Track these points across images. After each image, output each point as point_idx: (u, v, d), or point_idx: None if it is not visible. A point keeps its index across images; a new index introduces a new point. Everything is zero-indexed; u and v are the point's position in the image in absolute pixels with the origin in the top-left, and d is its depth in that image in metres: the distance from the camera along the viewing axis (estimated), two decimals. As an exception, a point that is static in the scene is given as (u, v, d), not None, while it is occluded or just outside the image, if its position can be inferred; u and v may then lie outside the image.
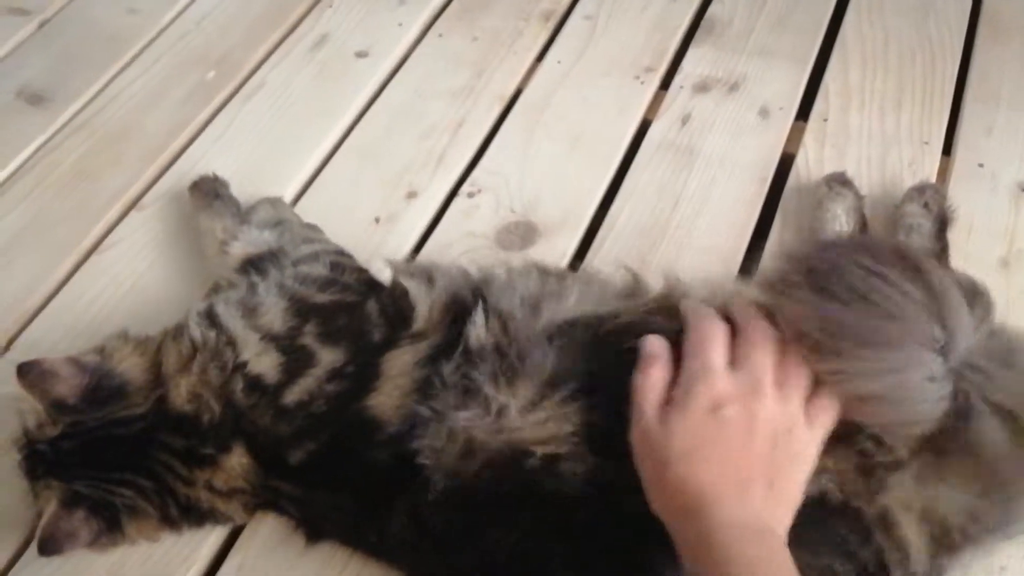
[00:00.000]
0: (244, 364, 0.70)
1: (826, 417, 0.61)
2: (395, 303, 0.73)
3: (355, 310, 0.73)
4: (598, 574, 0.62)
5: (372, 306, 0.73)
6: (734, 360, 0.62)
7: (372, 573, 0.71)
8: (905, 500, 0.61)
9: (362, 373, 0.69)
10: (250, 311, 0.74)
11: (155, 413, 0.70)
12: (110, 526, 0.69)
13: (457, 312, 0.70)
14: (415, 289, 0.73)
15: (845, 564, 0.60)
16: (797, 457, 0.59)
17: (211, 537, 0.74)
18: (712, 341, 0.63)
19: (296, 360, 0.70)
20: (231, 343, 0.71)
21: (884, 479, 0.61)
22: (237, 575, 0.72)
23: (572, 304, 0.69)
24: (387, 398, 0.67)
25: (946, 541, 0.61)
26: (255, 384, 0.70)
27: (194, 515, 0.71)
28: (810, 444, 0.60)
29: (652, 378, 0.62)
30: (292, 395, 0.69)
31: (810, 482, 0.60)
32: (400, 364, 0.69)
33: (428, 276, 0.74)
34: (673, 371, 0.63)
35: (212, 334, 0.72)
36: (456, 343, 0.68)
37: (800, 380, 0.61)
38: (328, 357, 0.70)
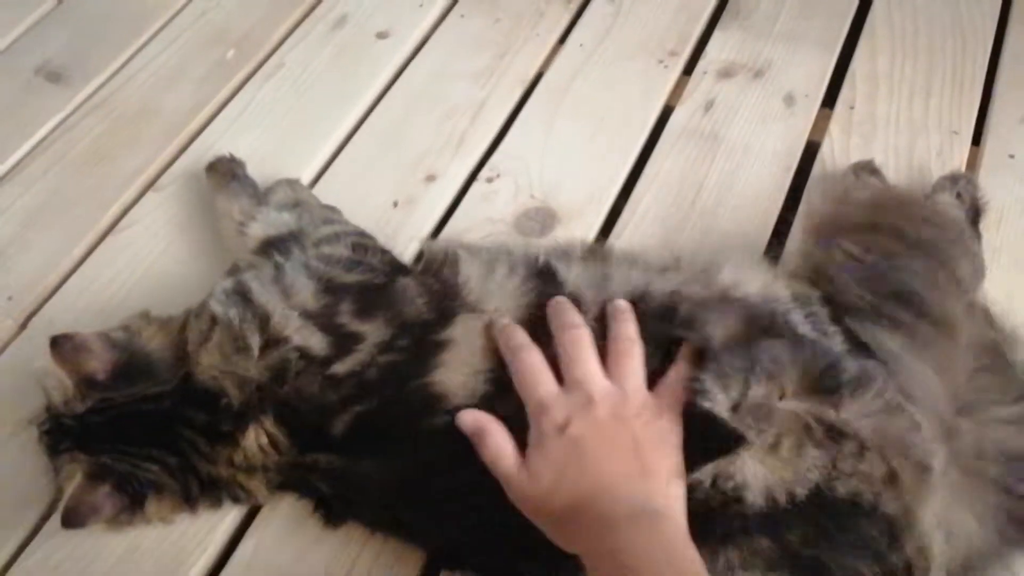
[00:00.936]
0: (287, 339, 0.69)
1: (672, 390, 0.64)
2: (437, 276, 0.72)
3: (385, 289, 0.72)
4: None
5: (404, 282, 0.73)
6: (562, 381, 0.65)
7: (390, 556, 0.71)
8: (936, 509, 0.60)
9: (420, 347, 0.68)
10: (283, 291, 0.73)
11: (180, 390, 0.70)
12: (133, 501, 0.69)
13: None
14: (465, 256, 0.73)
15: (873, 566, 0.59)
16: (659, 436, 0.62)
17: (226, 520, 0.74)
18: (533, 375, 0.65)
19: (341, 339, 0.70)
20: (266, 319, 0.70)
21: (917, 487, 0.60)
22: (252, 558, 0.72)
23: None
24: (454, 374, 0.67)
25: (967, 555, 0.60)
26: (301, 355, 0.69)
27: (214, 493, 0.70)
28: (663, 417, 0.63)
29: (493, 446, 0.64)
30: (343, 366, 0.68)
31: (842, 484, 0.59)
32: (468, 331, 0.68)
33: (469, 249, 0.74)
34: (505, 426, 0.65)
35: (243, 312, 0.71)
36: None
37: (630, 371, 0.65)
38: (373, 332, 0.69)
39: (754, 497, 0.60)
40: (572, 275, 0.71)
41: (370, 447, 0.67)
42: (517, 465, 0.63)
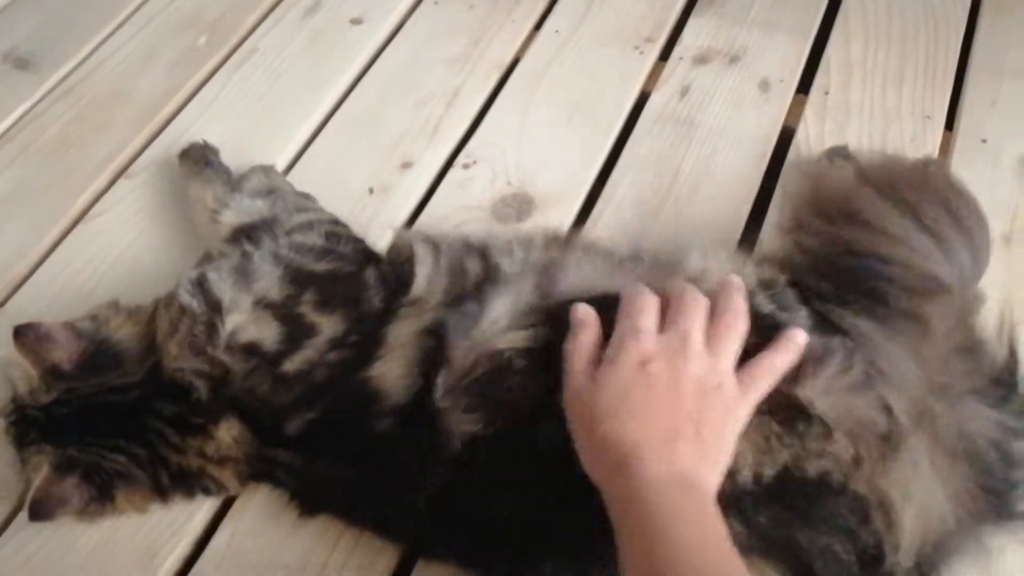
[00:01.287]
0: (235, 332, 0.69)
1: (759, 382, 0.61)
2: (396, 269, 0.72)
3: (352, 279, 0.72)
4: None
5: (370, 273, 0.72)
6: (665, 325, 0.63)
7: (366, 547, 0.71)
8: (903, 485, 0.60)
9: (365, 342, 0.68)
10: (244, 279, 0.72)
11: (149, 381, 0.69)
12: (101, 493, 0.68)
13: (460, 280, 0.69)
14: (422, 253, 0.71)
15: (846, 544, 0.59)
16: (725, 412, 0.60)
17: (201, 510, 0.74)
18: (642, 307, 0.64)
19: (296, 330, 0.69)
20: (219, 311, 0.70)
21: (885, 465, 0.60)
22: (227, 548, 0.72)
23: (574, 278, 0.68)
24: (391, 368, 0.67)
25: (939, 530, 0.60)
26: (250, 351, 0.68)
27: (185, 484, 0.70)
28: (740, 402, 0.60)
29: (582, 342, 0.63)
30: (292, 364, 0.68)
31: (812, 463, 0.60)
32: (404, 333, 0.68)
33: (434, 243, 0.72)
34: (603, 338, 0.64)
35: (201, 301, 0.71)
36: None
37: (730, 343, 0.62)
38: (328, 326, 0.69)
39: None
40: (516, 269, 0.70)
41: (322, 449, 0.67)
42: (588, 368, 0.62)
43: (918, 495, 0.60)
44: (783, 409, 0.61)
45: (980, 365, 0.66)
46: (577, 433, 0.61)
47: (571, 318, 0.64)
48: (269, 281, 0.71)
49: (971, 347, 0.67)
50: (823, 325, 0.65)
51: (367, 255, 0.77)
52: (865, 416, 0.61)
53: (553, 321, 0.66)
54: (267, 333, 0.68)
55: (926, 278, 0.67)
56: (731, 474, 0.59)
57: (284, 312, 0.70)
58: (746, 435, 0.60)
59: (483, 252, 0.71)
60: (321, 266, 0.73)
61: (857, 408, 0.61)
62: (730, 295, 0.64)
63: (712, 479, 0.58)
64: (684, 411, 0.59)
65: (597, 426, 0.59)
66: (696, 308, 0.63)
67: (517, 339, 0.65)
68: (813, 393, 0.62)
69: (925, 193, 0.71)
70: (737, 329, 0.63)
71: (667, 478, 0.56)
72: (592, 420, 0.59)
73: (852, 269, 0.68)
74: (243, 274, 0.72)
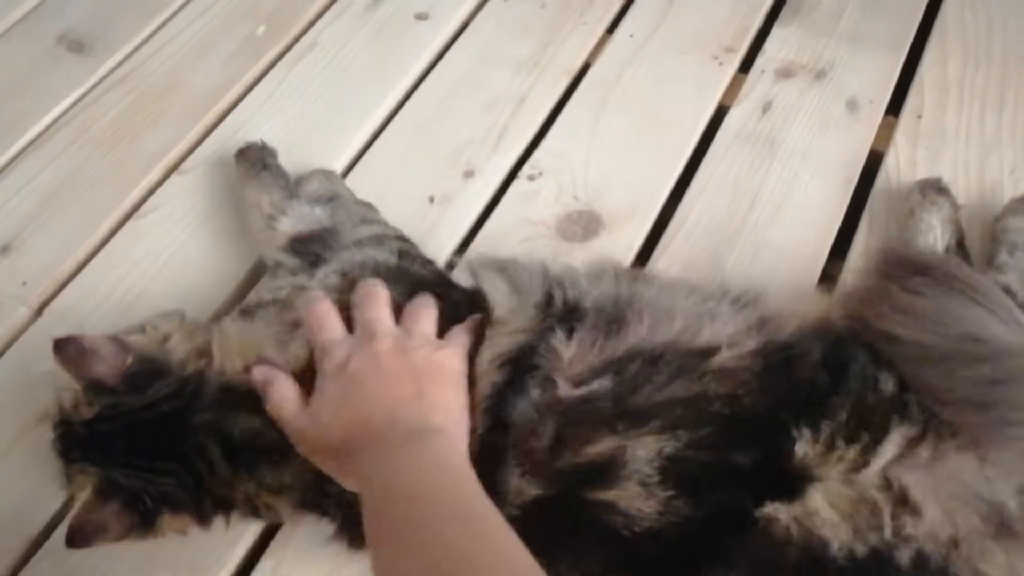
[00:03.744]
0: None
1: (459, 336, 0.65)
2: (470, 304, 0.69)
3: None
4: None
5: (458, 295, 0.71)
6: (351, 327, 0.66)
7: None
8: (1008, 570, 0.55)
9: None
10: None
11: (212, 396, 0.66)
12: (144, 520, 0.65)
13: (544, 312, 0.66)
14: (492, 288, 0.68)
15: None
16: (439, 367, 0.62)
17: (245, 536, 0.71)
18: (319, 321, 0.66)
19: None
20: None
21: (987, 546, 0.56)
22: (272, 578, 0.69)
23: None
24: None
25: None
26: None
27: (228, 510, 0.66)
28: (442, 352, 0.63)
29: (276, 395, 0.64)
30: None
31: (905, 546, 0.55)
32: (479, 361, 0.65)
33: (508, 275, 0.69)
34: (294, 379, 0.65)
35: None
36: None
37: (420, 319, 0.66)
38: None
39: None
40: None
41: None
42: (299, 408, 0.63)
43: None
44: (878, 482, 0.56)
45: None
46: (321, 463, 0.62)
47: (256, 384, 0.65)
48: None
49: None
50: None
51: (439, 277, 0.74)
52: (968, 495, 0.56)
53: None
54: None
55: None
56: (822, 546, 0.55)
57: None
58: (836, 506, 0.56)
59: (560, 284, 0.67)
60: (392, 291, 0.69)
61: (960, 486, 0.56)
62: (416, 303, 0.68)
63: (450, 420, 0.60)
64: (397, 378, 0.61)
65: (329, 441, 0.60)
66: (373, 297, 0.67)
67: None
68: (901, 468, 0.57)
69: None
70: (429, 305, 0.67)
71: (406, 436, 0.58)
72: (322, 439, 0.61)
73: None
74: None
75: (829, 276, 0.82)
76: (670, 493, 0.58)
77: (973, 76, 0.95)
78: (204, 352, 0.67)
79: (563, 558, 0.58)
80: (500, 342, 0.64)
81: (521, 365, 0.63)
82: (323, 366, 0.63)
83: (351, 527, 0.67)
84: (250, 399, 0.65)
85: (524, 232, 0.86)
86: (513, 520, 0.56)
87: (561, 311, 0.65)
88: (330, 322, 0.66)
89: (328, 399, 0.62)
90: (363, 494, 0.57)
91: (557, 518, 0.60)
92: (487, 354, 0.64)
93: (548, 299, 0.66)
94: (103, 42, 1.05)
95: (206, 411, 0.65)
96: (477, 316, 0.67)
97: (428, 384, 0.61)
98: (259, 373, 0.65)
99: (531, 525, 0.57)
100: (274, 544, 0.70)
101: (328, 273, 0.71)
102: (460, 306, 0.69)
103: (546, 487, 0.60)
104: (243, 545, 0.70)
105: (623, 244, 0.85)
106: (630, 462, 0.59)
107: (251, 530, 0.71)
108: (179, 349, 0.67)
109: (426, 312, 0.67)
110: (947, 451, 0.58)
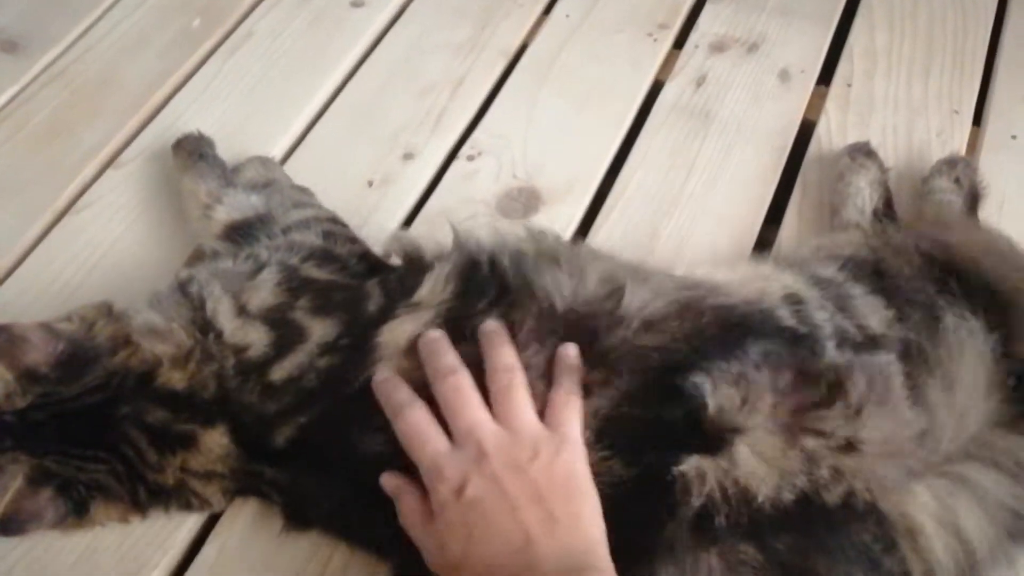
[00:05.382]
0: (221, 333, 0.65)
1: (563, 417, 0.59)
2: (401, 276, 0.68)
3: (351, 291, 0.68)
4: None
5: (373, 283, 0.68)
6: (450, 434, 0.60)
7: (362, 563, 0.67)
8: (933, 509, 0.57)
9: (358, 346, 0.64)
10: (236, 282, 0.68)
11: (131, 387, 0.65)
12: (77, 507, 0.64)
13: (467, 282, 0.65)
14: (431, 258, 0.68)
15: (869, 574, 0.56)
16: (564, 476, 0.57)
17: (188, 522, 0.70)
18: (419, 435, 0.60)
19: (286, 333, 0.65)
20: (211, 316, 0.66)
21: (913, 486, 0.57)
22: (216, 562, 0.68)
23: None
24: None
25: (971, 555, 0.57)
26: (240, 358, 0.65)
27: (164, 499, 0.66)
28: (563, 452, 0.58)
29: (406, 507, 0.60)
30: (281, 371, 0.64)
31: (833, 487, 0.56)
32: (401, 335, 0.64)
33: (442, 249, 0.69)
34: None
35: (189, 306, 0.67)
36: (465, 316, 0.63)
37: (515, 406, 0.60)
38: (320, 330, 0.65)
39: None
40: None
41: (313, 462, 0.63)
42: (424, 524, 0.59)
43: (951, 519, 0.57)
44: (808, 429, 0.58)
45: None
46: None
47: (388, 492, 0.61)
48: (263, 286, 0.68)
49: None
50: (850, 343, 0.62)
51: (366, 257, 0.73)
52: (896, 438, 0.57)
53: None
54: (254, 338, 0.65)
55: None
56: (747, 498, 0.56)
57: (276, 316, 0.66)
58: (763, 455, 0.57)
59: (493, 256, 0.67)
60: (319, 273, 0.69)
61: (887, 425, 0.58)
62: (493, 348, 0.62)
63: (592, 544, 0.55)
64: (523, 505, 0.56)
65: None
66: (460, 395, 0.60)
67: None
68: (835, 412, 0.58)
69: None
70: (514, 385, 0.60)
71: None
72: (461, 574, 0.57)
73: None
74: (234, 276, 0.68)
75: (764, 242, 0.83)
76: (605, 454, 0.59)
77: (900, 44, 0.97)
78: (129, 340, 0.66)
79: None
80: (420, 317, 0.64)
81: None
82: (436, 487, 0.58)
83: (293, 510, 0.67)
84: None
85: (464, 211, 0.86)
86: None
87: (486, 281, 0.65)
88: (431, 434, 0.60)
89: (453, 532, 0.57)
90: None
91: None
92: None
93: (471, 273, 0.66)
94: (37, 40, 1.04)
95: (130, 400, 0.64)
96: (574, 364, 0.61)
97: (557, 505, 0.56)
98: (388, 484, 0.61)
99: None
100: (218, 528, 0.70)
101: (260, 256, 0.71)
102: (388, 281, 0.68)
103: None
104: (186, 531, 0.70)
105: (563, 219, 0.86)
106: None
107: (194, 516, 0.70)
108: (104, 334, 0.66)
109: (516, 398, 0.60)
110: (874, 397, 0.59)
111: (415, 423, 0.60)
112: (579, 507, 0.57)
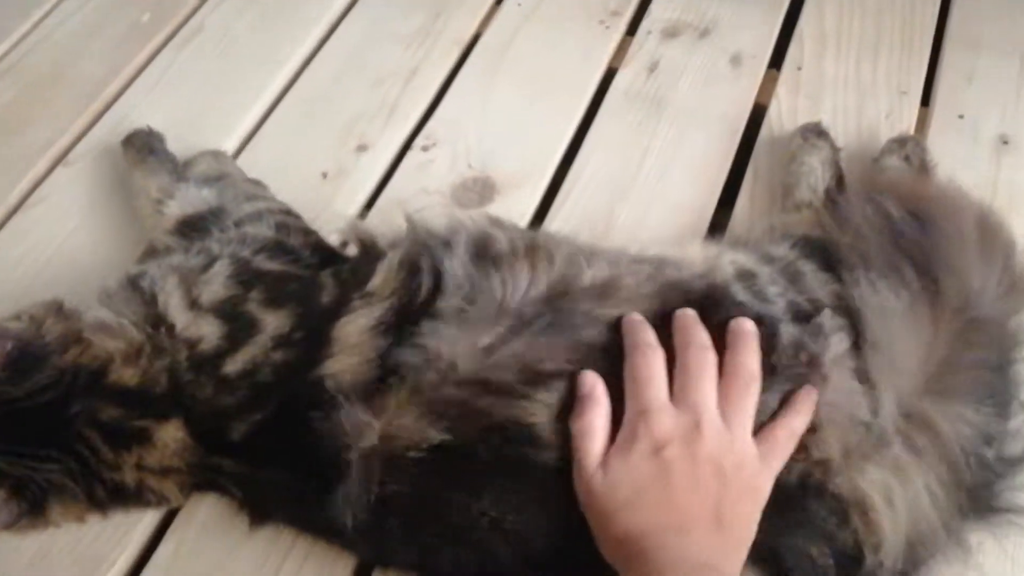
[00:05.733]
0: (173, 328, 0.65)
1: (779, 449, 0.58)
2: (354, 266, 0.68)
3: (303, 282, 0.68)
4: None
5: (325, 274, 0.68)
6: (675, 394, 0.60)
7: (321, 555, 0.67)
8: (883, 486, 0.58)
9: (312, 338, 0.64)
10: (188, 276, 0.68)
11: (83, 385, 0.65)
12: (33, 508, 0.64)
13: (415, 271, 0.65)
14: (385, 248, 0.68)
15: (823, 548, 0.57)
16: (747, 492, 0.57)
17: (145, 518, 0.70)
18: (648, 376, 0.60)
19: (239, 327, 0.65)
20: (163, 310, 0.66)
21: (863, 463, 0.58)
22: (174, 559, 0.68)
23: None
24: (344, 366, 0.62)
25: (920, 529, 0.58)
26: (193, 352, 0.64)
27: (122, 497, 0.65)
28: (761, 477, 0.57)
29: (590, 424, 0.58)
30: (235, 364, 0.64)
31: (789, 464, 0.57)
32: (355, 329, 0.64)
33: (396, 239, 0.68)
34: (611, 407, 0.59)
35: (141, 301, 0.66)
36: (416, 306, 0.63)
37: (745, 413, 0.59)
38: (274, 324, 0.65)
39: None
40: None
41: (270, 456, 0.63)
42: (599, 457, 0.58)
43: (898, 493, 0.58)
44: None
45: (991, 386, 0.64)
46: (592, 523, 0.57)
47: (577, 389, 0.59)
48: (215, 279, 0.67)
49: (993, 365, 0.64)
50: (800, 316, 0.63)
51: (319, 248, 0.73)
52: (849, 415, 0.59)
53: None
54: (207, 331, 0.64)
55: (956, 273, 0.64)
56: None
57: (228, 309, 0.66)
58: None
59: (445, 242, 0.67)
60: (272, 265, 0.69)
61: (842, 407, 0.59)
62: (741, 349, 0.60)
63: (733, 560, 0.55)
64: (702, 497, 0.56)
65: (613, 521, 0.56)
66: (704, 374, 0.60)
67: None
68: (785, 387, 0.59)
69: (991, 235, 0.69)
70: (751, 393, 0.59)
71: (684, 565, 0.54)
72: (608, 515, 0.56)
73: (917, 238, 0.66)
74: (186, 270, 0.68)
75: (718, 225, 0.84)
76: None
77: (849, 26, 0.98)
78: (80, 337, 0.66)
79: (465, 502, 0.59)
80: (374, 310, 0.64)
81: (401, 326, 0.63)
82: (637, 430, 0.58)
83: (252, 503, 0.67)
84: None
85: (420, 202, 0.86)
86: (420, 462, 0.58)
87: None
88: (659, 381, 0.59)
89: (631, 476, 0.56)
90: None
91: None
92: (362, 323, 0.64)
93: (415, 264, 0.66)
94: (-16, 36, 1.03)
95: (82, 398, 0.63)
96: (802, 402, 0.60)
97: (731, 516, 0.56)
98: (587, 383, 0.60)
99: (439, 469, 0.58)
100: (175, 525, 0.70)
101: (211, 250, 0.70)
102: (340, 272, 0.68)
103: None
104: (143, 527, 0.70)
105: (518, 207, 0.86)
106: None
107: (151, 513, 0.70)
108: (54, 332, 0.66)
109: (747, 405, 0.59)
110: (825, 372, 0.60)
111: (651, 364, 0.60)
112: (744, 523, 0.56)
